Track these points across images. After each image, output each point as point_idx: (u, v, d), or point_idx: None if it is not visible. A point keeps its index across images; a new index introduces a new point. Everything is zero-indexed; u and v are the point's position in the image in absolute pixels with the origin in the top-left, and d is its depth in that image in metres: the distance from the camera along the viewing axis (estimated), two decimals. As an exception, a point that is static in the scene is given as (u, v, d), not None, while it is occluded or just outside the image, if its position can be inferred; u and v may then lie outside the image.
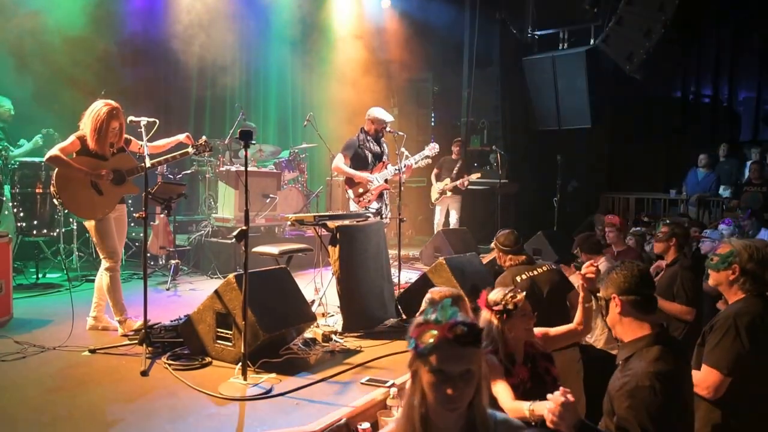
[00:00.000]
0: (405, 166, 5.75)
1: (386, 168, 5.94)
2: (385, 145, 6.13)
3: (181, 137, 4.58)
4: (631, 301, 2.16)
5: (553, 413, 1.85)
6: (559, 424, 1.85)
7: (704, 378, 2.49)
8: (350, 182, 5.90)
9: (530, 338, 2.65)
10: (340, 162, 5.87)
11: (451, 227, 8.31)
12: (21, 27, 6.39)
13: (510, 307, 2.52)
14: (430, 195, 8.63)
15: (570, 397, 1.87)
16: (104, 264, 4.25)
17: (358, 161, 5.88)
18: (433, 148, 6.28)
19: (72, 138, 4.12)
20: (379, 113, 5.94)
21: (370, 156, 5.91)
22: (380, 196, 5.91)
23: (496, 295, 2.59)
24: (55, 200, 4.24)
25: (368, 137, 5.94)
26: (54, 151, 4.05)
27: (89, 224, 4.23)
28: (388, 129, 5.95)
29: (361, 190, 5.85)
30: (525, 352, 2.60)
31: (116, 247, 4.29)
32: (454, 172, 8.32)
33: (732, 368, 2.44)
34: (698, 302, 4.05)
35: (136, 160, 4.37)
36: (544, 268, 3.85)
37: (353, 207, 5.90)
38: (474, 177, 8.34)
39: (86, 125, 4.13)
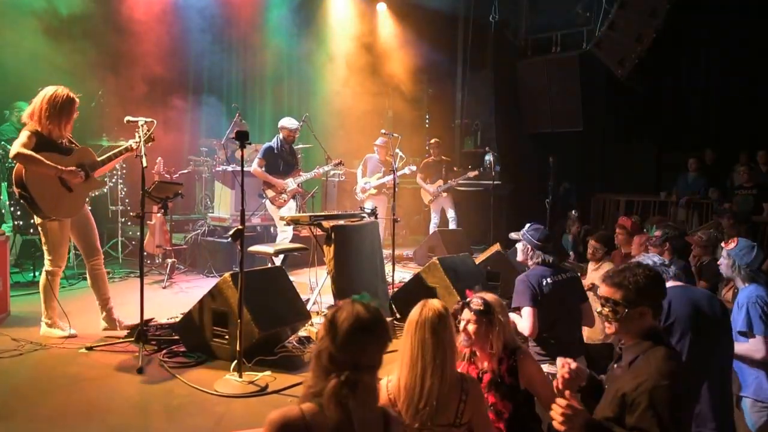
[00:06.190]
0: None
1: (300, 175, 6.26)
2: (300, 154, 6.45)
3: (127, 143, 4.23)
4: (655, 311, 2.09)
5: (559, 420, 1.84)
6: (569, 428, 1.84)
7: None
8: (267, 184, 6.16)
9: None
10: (257, 167, 6.12)
11: (450, 225, 8.38)
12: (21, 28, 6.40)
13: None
14: (422, 197, 8.67)
15: (575, 403, 1.86)
16: (47, 266, 4.08)
17: (273, 167, 6.14)
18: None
19: (27, 133, 3.84)
20: (284, 122, 6.29)
21: (282, 164, 6.21)
22: (294, 198, 6.26)
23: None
24: (23, 200, 3.96)
25: (284, 145, 6.24)
26: (17, 148, 3.77)
27: (51, 225, 3.99)
28: (297, 135, 6.32)
29: (277, 192, 6.14)
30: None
31: (65, 254, 4.19)
32: (443, 172, 8.43)
33: None
34: None
35: (95, 153, 4.23)
36: (567, 275, 3.66)
37: (269, 207, 6.22)
38: (472, 174, 8.43)
39: (43, 111, 3.85)
